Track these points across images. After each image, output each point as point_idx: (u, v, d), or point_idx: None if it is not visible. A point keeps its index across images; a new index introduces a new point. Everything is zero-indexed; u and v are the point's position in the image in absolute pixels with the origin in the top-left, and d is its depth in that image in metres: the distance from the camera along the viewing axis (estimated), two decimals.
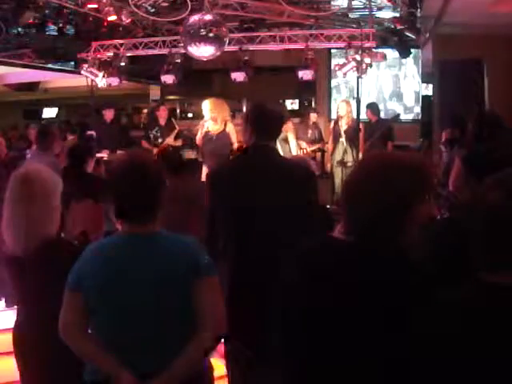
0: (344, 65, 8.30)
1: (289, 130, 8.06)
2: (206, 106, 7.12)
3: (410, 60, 10.91)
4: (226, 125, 7.20)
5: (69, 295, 2.06)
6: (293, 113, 11.77)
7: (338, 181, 8.41)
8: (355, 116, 8.14)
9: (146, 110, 13.90)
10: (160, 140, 8.94)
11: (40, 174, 2.43)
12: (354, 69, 7.93)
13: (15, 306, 3.51)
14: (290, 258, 1.65)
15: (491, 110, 3.76)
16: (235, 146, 7.43)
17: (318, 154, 9.36)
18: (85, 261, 2.08)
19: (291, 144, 8.08)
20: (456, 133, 5.59)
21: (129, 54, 8.91)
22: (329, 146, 8.79)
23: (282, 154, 7.16)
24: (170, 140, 8.93)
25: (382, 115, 9.24)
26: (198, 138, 7.29)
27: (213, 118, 7.10)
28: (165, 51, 8.60)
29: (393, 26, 8.68)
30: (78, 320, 2.05)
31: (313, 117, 9.19)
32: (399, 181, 1.48)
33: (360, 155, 7.87)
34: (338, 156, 8.40)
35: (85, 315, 2.05)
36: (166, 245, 2.05)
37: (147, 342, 2.01)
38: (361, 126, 8.23)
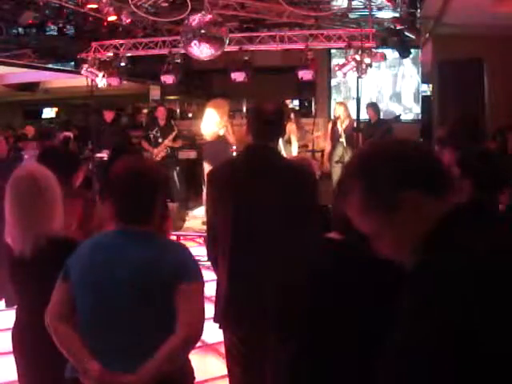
0: (344, 65, 8.31)
1: (292, 131, 8.10)
2: (210, 110, 7.60)
3: (409, 60, 10.92)
4: (223, 127, 7.66)
5: (58, 285, 2.11)
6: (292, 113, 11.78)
7: (336, 180, 8.45)
8: (354, 116, 8.16)
9: (145, 110, 13.87)
10: (160, 140, 8.95)
11: (40, 171, 2.43)
12: (354, 69, 7.93)
13: (15, 306, 3.50)
14: (292, 260, 1.64)
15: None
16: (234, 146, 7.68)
17: (318, 155, 9.38)
18: (76, 252, 2.13)
19: (293, 146, 8.10)
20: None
21: (129, 54, 8.90)
22: (327, 147, 8.86)
23: (284, 154, 7.35)
24: (168, 142, 8.93)
25: (382, 115, 9.25)
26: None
27: (213, 123, 7.59)
28: (165, 51, 8.60)
29: (393, 26, 8.68)
30: (62, 310, 2.08)
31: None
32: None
33: None
34: (336, 156, 8.48)
35: (70, 306, 2.07)
36: (155, 245, 2.08)
37: (121, 341, 1.99)
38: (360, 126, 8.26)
